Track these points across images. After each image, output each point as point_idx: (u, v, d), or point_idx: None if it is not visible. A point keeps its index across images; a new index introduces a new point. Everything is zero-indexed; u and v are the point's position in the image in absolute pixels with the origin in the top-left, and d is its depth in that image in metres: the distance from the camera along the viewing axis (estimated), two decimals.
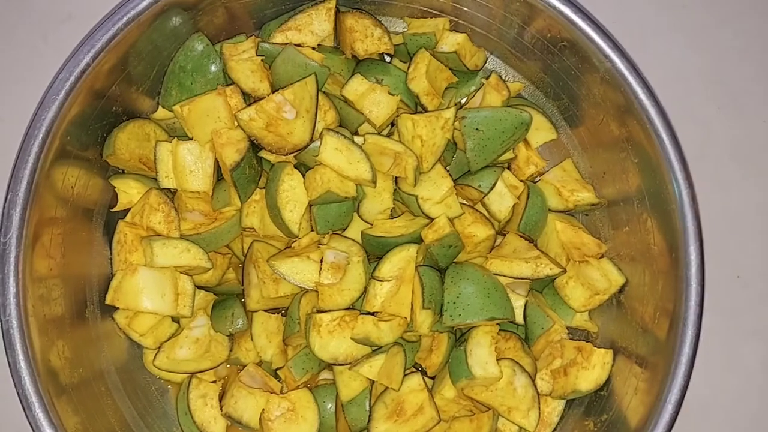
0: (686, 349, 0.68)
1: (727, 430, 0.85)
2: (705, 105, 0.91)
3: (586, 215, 0.83)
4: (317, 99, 0.74)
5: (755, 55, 0.92)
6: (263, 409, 0.75)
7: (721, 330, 0.87)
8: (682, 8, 0.92)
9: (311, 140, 0.74)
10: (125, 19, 0.69)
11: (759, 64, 0.91)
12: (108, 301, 0.73)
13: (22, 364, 0.64)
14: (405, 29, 0.83)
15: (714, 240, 0.87)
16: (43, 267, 0.69)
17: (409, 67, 0.79)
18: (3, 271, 0.64)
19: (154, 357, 0.77)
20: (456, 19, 0.81)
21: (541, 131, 0.82)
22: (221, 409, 0.76)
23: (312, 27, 0.78)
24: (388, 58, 0.84)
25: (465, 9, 0.79)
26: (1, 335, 0.64)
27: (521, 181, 0.80)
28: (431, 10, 0.81)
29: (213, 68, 0.77)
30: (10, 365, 0.64)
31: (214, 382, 0.78)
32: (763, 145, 0.90)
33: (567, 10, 0.72)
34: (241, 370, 0.77)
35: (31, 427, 0.64)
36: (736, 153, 0.90)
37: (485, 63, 0.83)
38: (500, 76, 0.81)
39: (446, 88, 0.82)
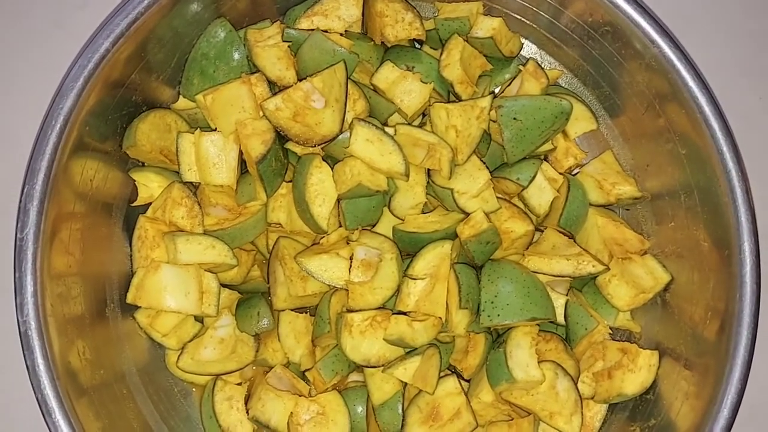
0: (741, 351, 0.65)
1: None
2: (746, 96, 0.88)
3: (627, 210, 0.80)
4: (346, 87, 0.71)
5: None
6: (291, 413, 0.73)
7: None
8: None
9: (341, 131, 0.71)
10: (145, 3, 0.67)
11: None
12: (129, 299, 0.71)
13: (41, 368, 0.62)
14: (435, 14, 0.80)
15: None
16: (61, 264, 0.67)
17: (441, 53, 0.76)
18: (20, 269, 0.61)
19: (178, 358, 0.75)
20: (489, 3, 0.78)
21: (580, 121, 0.78)
22: (248, 412, 0.74)
23: (339, 12, 0.75)
24: (417, 45, 0.80)
25: None
26: (19, 336, 0.61)
27: (560, 173, 0.76)
28: None
29: (236, 55, 0.74)
30: (28, 368, 0.61)
31: (239, 384, 0.77)
32: None
33: None
34: (267, 372, 0.76)
35: None
36: None
37: (520, 50, 0.80)
38: (538, 63, 0.77)
39: (480, 76, 0.78)
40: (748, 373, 0.64)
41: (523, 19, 0.78)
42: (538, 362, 0.68)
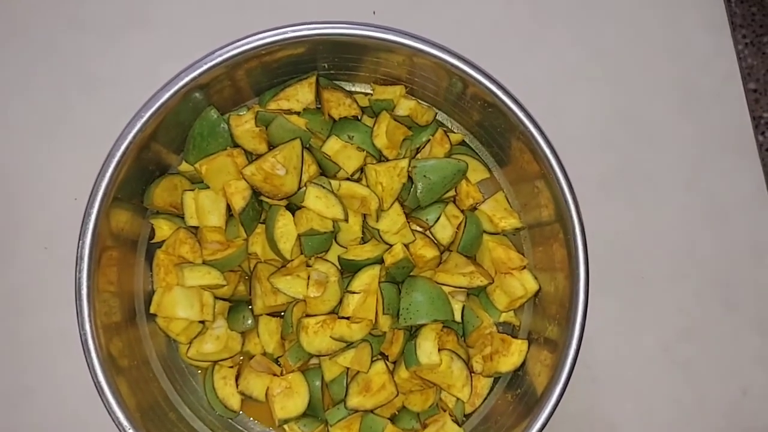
0: (576, 332, 0.88)
1: (630, 393, 1.07)
2: (621, 137, 1.10)
3: (513, 235, 1.05)
4: (302, 157, 0.96)
5: (662, 94, 1.11)
6: (268, 387, 0.91)
7: (626, 319, 1.08)
8: (602, 57, 1.12)
9: (299, 188, 0.95)
10: (156, 105, 0.89)
11: (664, 101, 1.11)
12: (152, 310, 0.91)
13: (95, 361, 0.84)
14: (372, 91, 1.05)
15: (626, 248, 1.08)
16: (104, 288, 0.90)
17: (374, 125, 1.01)
18: (79, 298, 0.85)
19: (187, 350, 0.93)
20: (410, 86, 1.02)
21: (477, 171, 1.04)
22: (237, 387, 0.93)
23: (298, 97, 0.99)
24: (357, 117, 1.04)
25: (417, 79, 1.01)
26: (80, 340, 0.88)
27: (462, 211, 1.01)
28: (391, 78, 1.03)
29: (222, 132, 0.97)
30: (88, 364, 0.85)
31: (231, 367, 0.94)
32: (669, 171, 1.10)
33: (491, 86, 0.92)
34: (251, 359, 0.93)
35: (104, 405, 0.86)
36: (647, 178, 1.08)
37: (435, 117, 1.05)
38: (445, 131, 1.02)
39: (403, 140, 1.03)
40: (576, 355, 0.88)
41: (435, 96, 1.01)
42: (439, 350, 0.94)
